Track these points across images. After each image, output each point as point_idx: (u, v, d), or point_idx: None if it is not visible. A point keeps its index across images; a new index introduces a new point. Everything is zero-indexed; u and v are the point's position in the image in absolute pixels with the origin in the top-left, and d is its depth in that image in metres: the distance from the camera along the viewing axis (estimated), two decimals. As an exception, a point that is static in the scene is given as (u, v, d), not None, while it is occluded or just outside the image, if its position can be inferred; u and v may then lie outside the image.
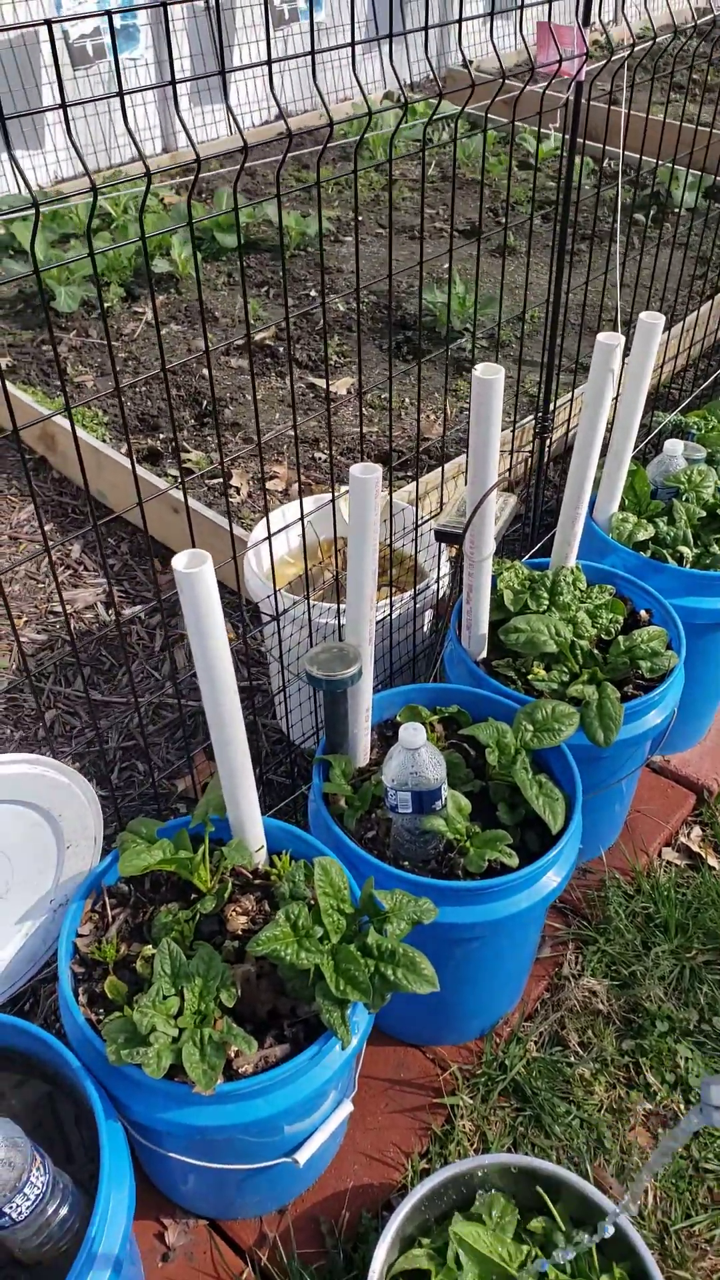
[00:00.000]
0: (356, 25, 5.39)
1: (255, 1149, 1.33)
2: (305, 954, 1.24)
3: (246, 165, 5.14)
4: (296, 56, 1.13)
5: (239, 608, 2.57)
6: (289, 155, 5.18)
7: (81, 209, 4.27)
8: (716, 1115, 0.86)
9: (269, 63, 1.05)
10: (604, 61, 1.55)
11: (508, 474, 2.54)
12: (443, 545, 2.09)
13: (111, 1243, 1.11)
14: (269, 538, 1.53)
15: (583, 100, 1.63)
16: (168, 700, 2.39)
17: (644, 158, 4.65)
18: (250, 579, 1.96)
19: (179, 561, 1.14)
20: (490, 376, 1.50)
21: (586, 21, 1.52)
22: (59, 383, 2.73)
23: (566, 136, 1.67)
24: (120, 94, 1.00)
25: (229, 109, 1.08)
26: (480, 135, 5.34)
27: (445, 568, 2.16)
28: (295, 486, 2.95)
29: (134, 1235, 1.46)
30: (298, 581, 2.11)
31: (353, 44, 1.12)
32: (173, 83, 1.01)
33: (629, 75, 1.76)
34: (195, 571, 1.13)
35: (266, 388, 3.42)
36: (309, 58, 1.12)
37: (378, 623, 1.98)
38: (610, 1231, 1.17)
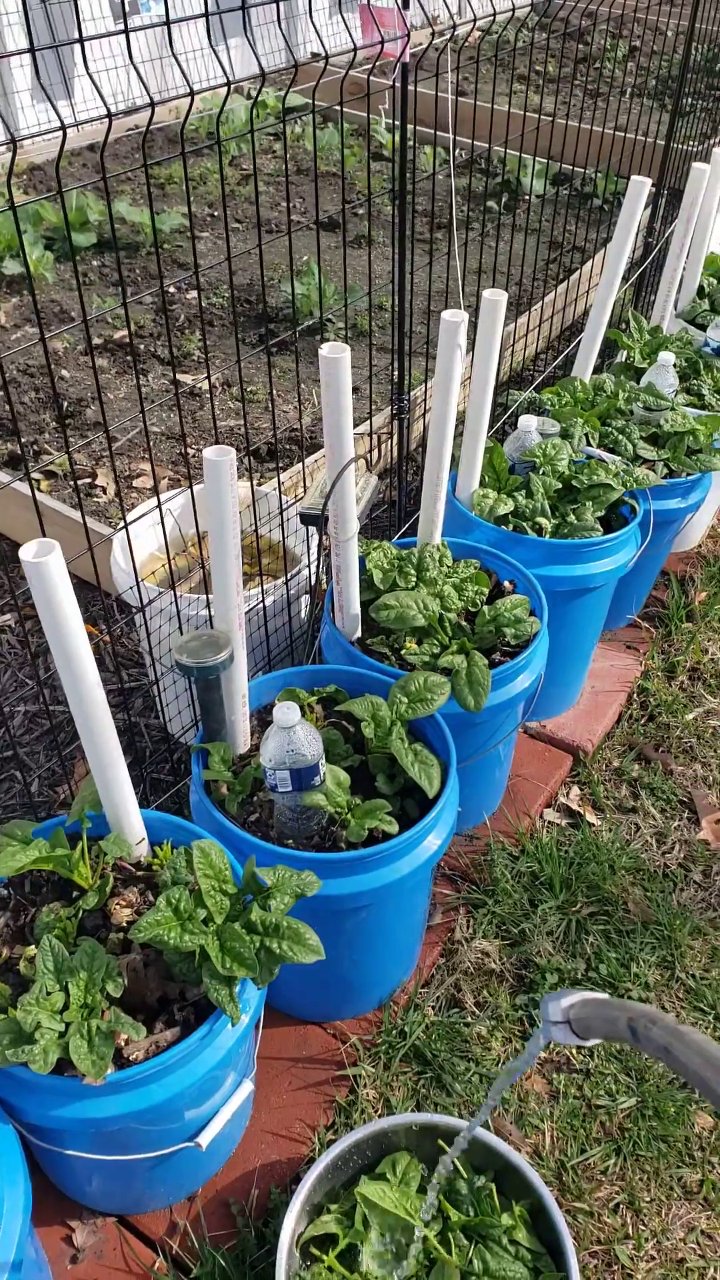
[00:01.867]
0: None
1: (155, 1137, 1.33)
2: (189, 936, 1.24)
3: (98, 163, 5.04)
4: (112, 35, 1.12)
5: (106, 606, 2.54)
6: (128, 143, 5.11)
7: None
8: (554, 1031, 0.91)
9: (81, 40, 1.05)
10: (426, 44, 1.59)
11: (367, 455, 2.58)
12: (311, 529, 2.11)
13: (7, 1246, 1.10)
14: (125, 526, 1.53)
15: (410, 83, 1.67)
16: (45, 707, 2.34)
17: (493, 147, 4.77)
18: (116, 572, 1.94)
19: (26, 552, 1.13)
20: (336, 355, 1.53)
21: (406, 4, 1.56)
22: None
23: (397, 121, 1.71)
24: None
25: (43, 89, 1.07)
26: (333, 129, 5.38)
27: (316, 552, 2.18)
28: (162, 482, 2.93)
29: (40, 1241, 1.44)
30: (167, 576, 2.10)
31: (167, 22, 1.13)
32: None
33: (453, 59, 1.81)
34: (43, 561, 1.12)
35: (129, 385, 3.38)
36: (155, 50, 1.12)
37: (253, 611, 1.99)
38: (465, 1146, 1.24)
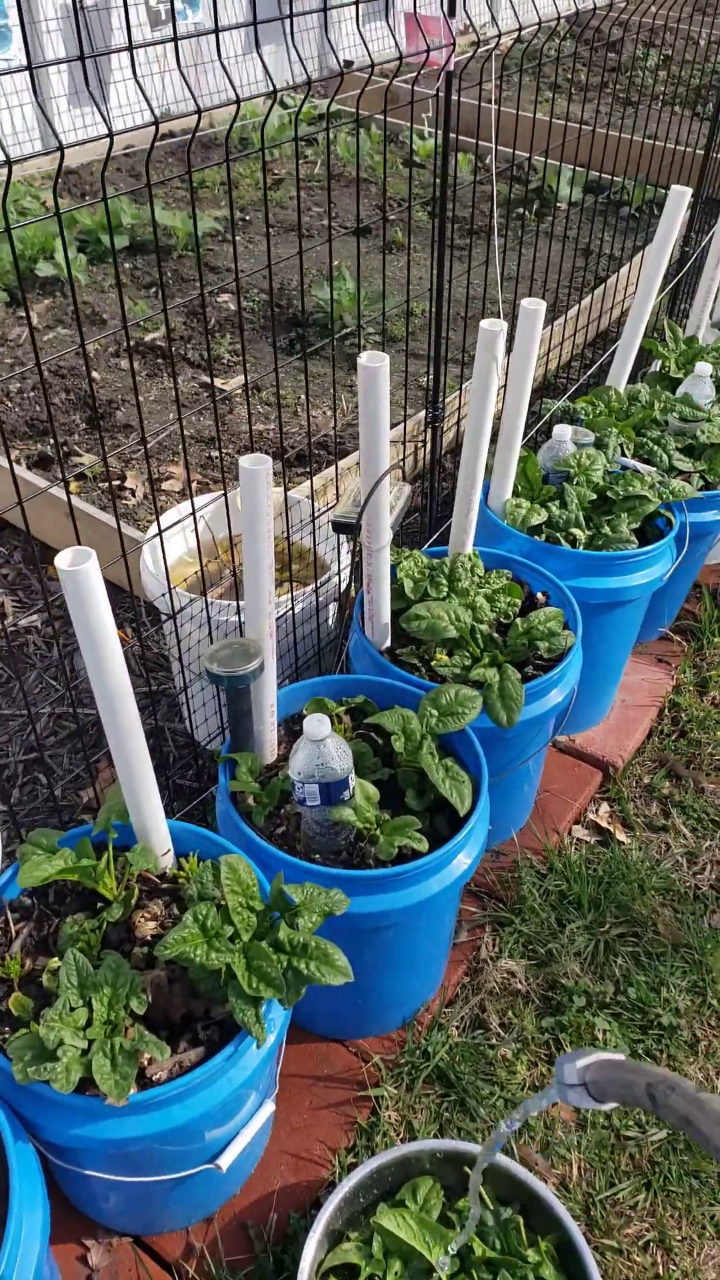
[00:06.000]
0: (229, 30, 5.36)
1: (176, 1158, 1.30)
2: (215, 954, 1.22)
3: (132, 168, 5.05)
4: (162, 43, 1.10)
5: (136, 610, 2.52)
6: (160, 149, 5.12)
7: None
8: (570, 1093, 0.87)
9: (130, 48, 1.03)
10: (470, 53, 1.56)
11: (400, 463, 2.55)
12: (342, 537, 2.09)
13: (25, 1270, 1.07)
14: (160, 534, 1.50)
15: (454, 92, 1.64)
16: (70, 710, 2.33)
17: (528, 155, 4.73)
18: (146, 578, 1.92)
19: (63, 560, 1.11)
20: (375, 364, 1.50)
21: (453, 12, 1.53)
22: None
23: (439, 130, 1.68)
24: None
25: (90, 93, 1.05)
26: (364, 134, 5.37)
27: (346, 559, 2.15)
28: (191, 485, 2.91)
29: (55, 1260, 1.41)
30: (197, 580, 2.08)
31: (215, 30, 1.11)
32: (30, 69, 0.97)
33: (496, 66, 1.78)
34: (80, 569, 1.10)
35: (160, 388, 3.37)
36: (190, 57, 1.10)
37: (282, 618, 1.97)
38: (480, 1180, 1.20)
